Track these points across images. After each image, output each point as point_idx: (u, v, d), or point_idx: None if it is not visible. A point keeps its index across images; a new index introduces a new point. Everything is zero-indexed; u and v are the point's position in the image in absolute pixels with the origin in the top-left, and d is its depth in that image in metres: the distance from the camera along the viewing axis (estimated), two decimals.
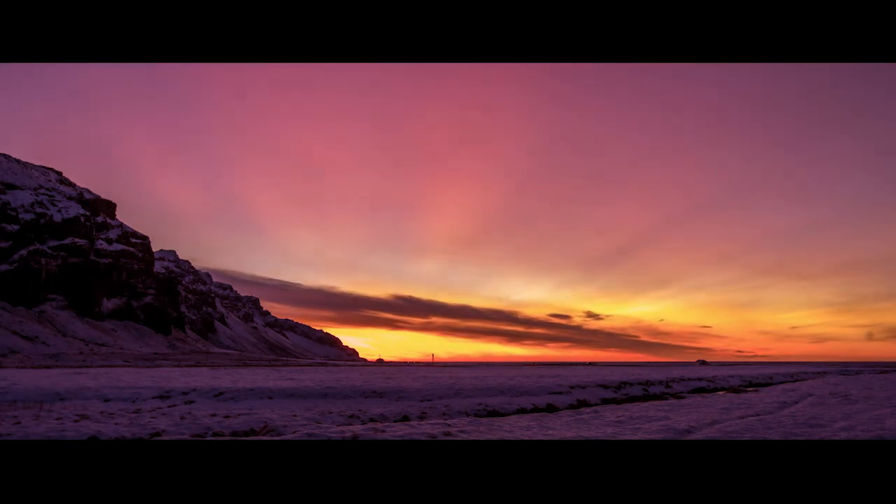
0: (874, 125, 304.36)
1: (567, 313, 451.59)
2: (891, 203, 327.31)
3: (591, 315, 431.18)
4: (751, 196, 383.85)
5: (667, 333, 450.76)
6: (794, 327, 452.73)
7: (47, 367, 56.71)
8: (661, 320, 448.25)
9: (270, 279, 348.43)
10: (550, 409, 17.00)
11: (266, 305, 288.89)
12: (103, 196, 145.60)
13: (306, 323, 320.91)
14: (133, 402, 16.67)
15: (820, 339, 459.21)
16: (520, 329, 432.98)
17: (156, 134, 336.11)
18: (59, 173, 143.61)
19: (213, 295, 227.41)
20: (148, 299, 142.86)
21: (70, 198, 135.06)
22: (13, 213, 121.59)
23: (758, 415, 14.06)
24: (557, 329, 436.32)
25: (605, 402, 20.02)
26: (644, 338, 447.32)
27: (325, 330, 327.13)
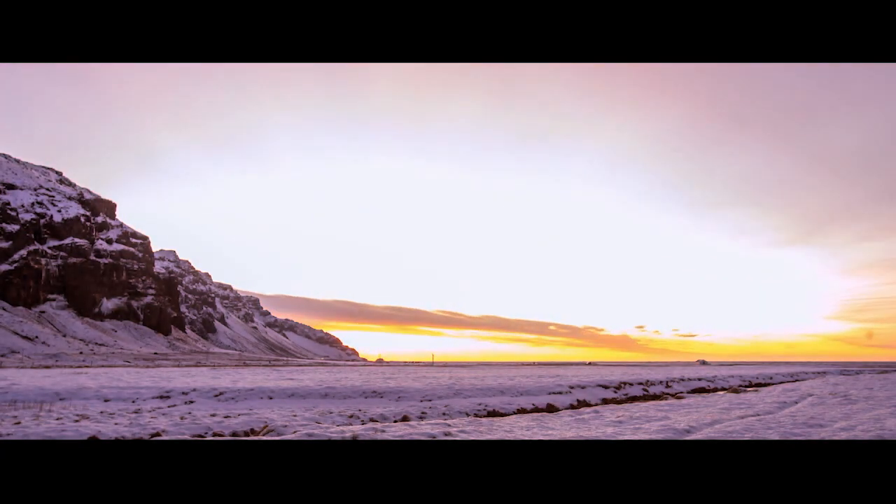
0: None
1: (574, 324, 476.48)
2: None
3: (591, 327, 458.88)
4: None
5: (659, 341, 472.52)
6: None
7: (47, 367, 56.68)
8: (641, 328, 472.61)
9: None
10: (550, 409, 17.00)
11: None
12: (103, 196, 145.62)
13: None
14: (133, 402, 16.67)
15: None
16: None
17: (157, 133, 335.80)
18: (59, 173, 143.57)
19: (213, 295, 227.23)
20: (148, 299, 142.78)
21: (70, 198, 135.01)
22: (13, 213, 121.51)
23: (758, 415, 14.06)
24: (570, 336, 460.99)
25: (605, 402, 20.02)
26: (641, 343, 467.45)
27: (328, 329, 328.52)
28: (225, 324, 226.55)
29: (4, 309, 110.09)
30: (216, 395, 18.06)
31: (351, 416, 13.31)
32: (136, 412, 13.88)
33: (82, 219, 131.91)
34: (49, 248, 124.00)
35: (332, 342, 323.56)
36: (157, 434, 10.33)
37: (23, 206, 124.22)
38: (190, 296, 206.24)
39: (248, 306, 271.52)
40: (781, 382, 35.90)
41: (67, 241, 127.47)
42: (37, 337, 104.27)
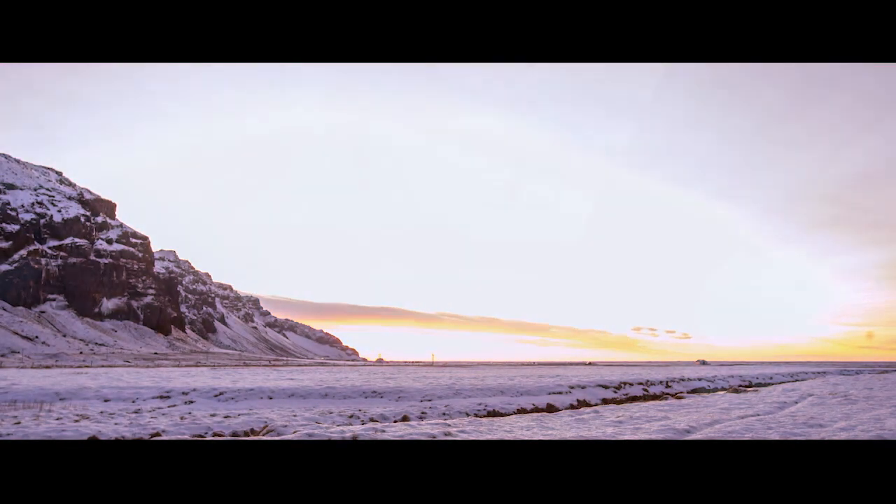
0: None
1: (575, 325, 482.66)
2: None
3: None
4: None
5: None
6: None
7: (47, 367, 56.66)
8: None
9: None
10: (550, 409, 17.00)
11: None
12: (103, 196, 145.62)
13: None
14: (133, 402, 16.67)
15: None
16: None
17: (157, 132, 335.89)
18: (59, 173, 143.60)
19: (213, 295, 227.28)
20: (148, 299, 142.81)
21: (70, 198, 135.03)
22: (13, 213, 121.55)
23: (758, 415, 14.07)
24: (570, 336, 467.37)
25: (605, 402, 20.03)
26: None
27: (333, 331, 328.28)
28: (225, 324, 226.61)
29: (4, 309, 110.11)
30: (216, 395, 18.06)
31: (351, 416, 13.31)
32: (136, 412, 13.88)
33: (82, 219, 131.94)
34: (49, 248, 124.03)
35: (332, 342, 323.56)
36: (157, 434, 10.32)
37: (23, 206, 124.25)
38: (190, 296, 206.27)
39: (248, 306, 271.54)
40: (781, 382, 35.90)
41: (67, 241, 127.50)
42: (37, 337, 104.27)
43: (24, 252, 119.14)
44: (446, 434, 10.07)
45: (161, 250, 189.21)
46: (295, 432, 10.35)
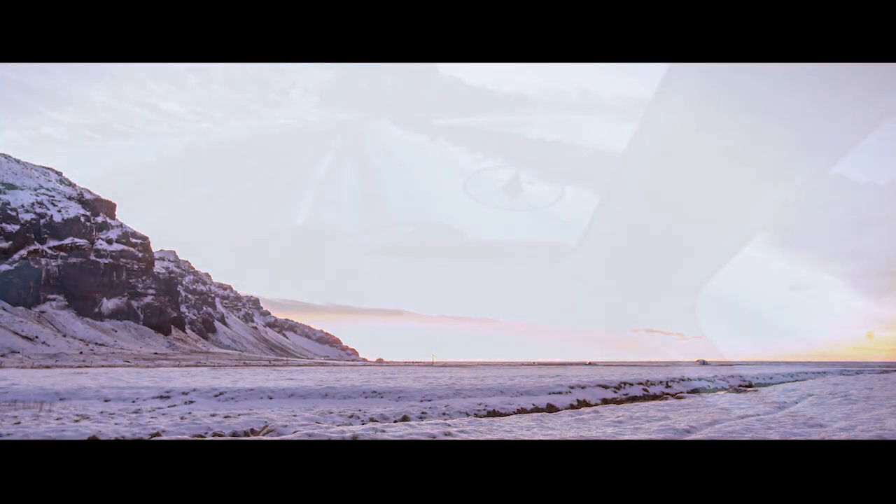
0: None
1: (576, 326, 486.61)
2: None
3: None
4: None
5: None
6: None
7: (47, 367, 56.66)
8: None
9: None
10: (550, 409, 17.01)
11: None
12: (103, 196, 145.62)
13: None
14: (133, 402, 16.67)
15: None
16: None
17: (157, 131, 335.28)
18: (60, 173, 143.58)
19: (213, 295, 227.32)
20: (148, 299, 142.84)
21: (70, 198, 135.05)
22: (13, 213, 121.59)
23: (758, 415, 14.07)
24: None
25: (605, 402, 20.04)
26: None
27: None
28: (225, 324, 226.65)
29: (4, 309, 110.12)
30: (216, 395, 18.06)
31: (351, 416, 13.31)
32: (136, 412, 13.89)
33: (82, 219, 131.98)
34: (49, 248, 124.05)
35: (332, 342, 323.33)
36: (157, 434, 10.33)
37: (23, 206, 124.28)
38: (190, 296, 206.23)
39: (248, 306, 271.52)
40: (781, 382, 35.91)
41: (67, 241, 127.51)
42: (37, 337, 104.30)
43: (24, 252, 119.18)
44: (446, 434, 10.07)
45: (161, 250, 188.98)
46: (295, 432, 10.35)
